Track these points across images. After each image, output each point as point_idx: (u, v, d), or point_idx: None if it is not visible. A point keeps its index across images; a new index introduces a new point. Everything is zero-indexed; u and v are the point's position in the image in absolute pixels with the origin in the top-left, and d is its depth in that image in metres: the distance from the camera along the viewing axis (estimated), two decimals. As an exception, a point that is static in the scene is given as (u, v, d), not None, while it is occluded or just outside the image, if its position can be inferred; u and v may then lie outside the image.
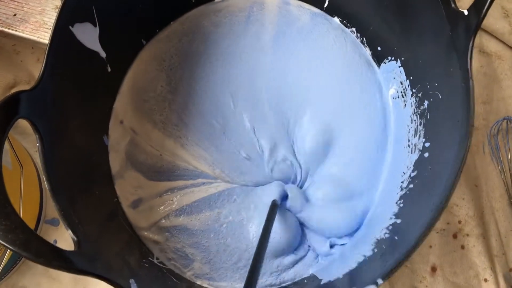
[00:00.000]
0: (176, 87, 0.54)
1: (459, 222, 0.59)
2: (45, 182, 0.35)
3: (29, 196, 0.54)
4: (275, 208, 0.47)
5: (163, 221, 0.50)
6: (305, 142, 0.52)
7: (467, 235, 0.58)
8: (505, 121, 0.61)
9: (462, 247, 0.58)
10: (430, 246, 0.58)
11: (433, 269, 0.57)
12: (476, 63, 0.64)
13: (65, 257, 0.31)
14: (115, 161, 0.51)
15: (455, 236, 0.58)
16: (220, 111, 0.53)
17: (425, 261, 0.58)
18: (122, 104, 0.53)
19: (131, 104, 0.53)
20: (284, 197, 0.51)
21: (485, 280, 0.57)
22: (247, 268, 0.46)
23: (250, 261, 0.42)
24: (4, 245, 0.29)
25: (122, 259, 0.41)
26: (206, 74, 0.54)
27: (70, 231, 0.34)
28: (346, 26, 0.55)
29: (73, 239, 0.34)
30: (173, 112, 0.53)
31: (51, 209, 0.57)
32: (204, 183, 0.52)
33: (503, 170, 0.59)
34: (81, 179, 0.43)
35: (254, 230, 0.50)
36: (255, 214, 0.50)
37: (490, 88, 0.64)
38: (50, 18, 0.56)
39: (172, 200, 0.51)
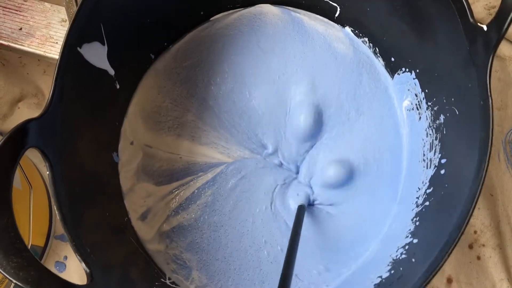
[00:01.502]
0: (190, 107, 0.53)
1: (475, 232, 0.58)
2: (56, 212, 0.35)
3: (38, 212, 0.53)
4: (302, 212, 0.46)
5: (164, 225, 0.50)
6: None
7: (483, 245, 0.57)
8: (521, 127, 0.60)
9: (478, 257, 0.57)
10: (445, 257, 0.57)
11: (449, 281, 0.57)
12: (490, 67, 0.63)
13: (78, 293, 0.31)
14: (126, 180, 0.50)
15: (470, 246, 0.57)
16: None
17: (441, 273, 0.57)
18: (131, 126, 0.52)
19: (142, 126, 0.52)
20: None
21: (502, 291, 0.56)
22: (243, 268, 0.48)
23: (247, 255, 0.46)
24: (16, 284, 0.29)
25: (135, 285, 0.41)
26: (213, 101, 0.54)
27: (83, 263, 0.33)
28: (358, 36, 0.54)
29: (85, 271, 0.33)
30: (195, 120, 0.53)
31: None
32: (211, 169, 0.52)
33: (519, 178, 0.58)
34: (91, 205, 0.42)
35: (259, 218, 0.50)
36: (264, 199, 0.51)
37: (504, 93, 0.62)
38: (56, 31, 0.55)
39: (174, 199, 0.51)
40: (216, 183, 0.51)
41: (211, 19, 0.56)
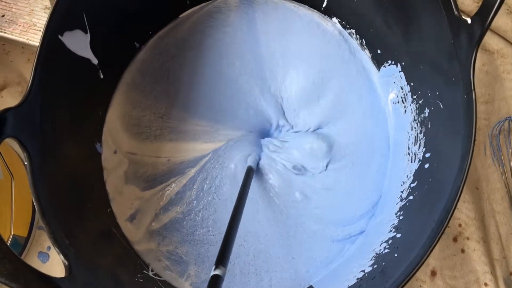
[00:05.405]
0: (168, 112, 0.53)
1: (460, 225, 0.58)
2: (35, 203, 0.34)
3: (21, 202, 0.52)
4: (250, 174, 0.47)
5: (153, 224, 0.50)
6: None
7: (468, 238, 0.57)
8: (507, 121, 0.59)
9: (462, 250, 0.57)
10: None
11: (433, 273, 0.57)
12: (477, 61, 0.62)
13: (55, 286, 0.30)
14: (113, 186, 0.50)
15: (455, 239, 0.58)
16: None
17: (425, 265, 0.57)
18: (112, 136, 0.51)
19: (124, 135, 0.52)
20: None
21: (485, 285, 0.56)
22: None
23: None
24: (-9, 276, 0.28)
25: (116, 277, 0.40)
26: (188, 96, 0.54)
27: (61, 256, 0.33)
28: (345, 28, 0.54)
29: (64, 264, 0.33)
30: (179, 125, 0.53)
31: (45, 215, 0.56)
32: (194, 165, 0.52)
33: (504, 172, 0.58)
34: (73, 197, 0.41)
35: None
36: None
37: (491, 87, 0.62)
38: (39, 19, 0.54)
39: (160, 199, 0.51)
40: (203, 171, 0.51)
41: (181, 15, 0.55)
